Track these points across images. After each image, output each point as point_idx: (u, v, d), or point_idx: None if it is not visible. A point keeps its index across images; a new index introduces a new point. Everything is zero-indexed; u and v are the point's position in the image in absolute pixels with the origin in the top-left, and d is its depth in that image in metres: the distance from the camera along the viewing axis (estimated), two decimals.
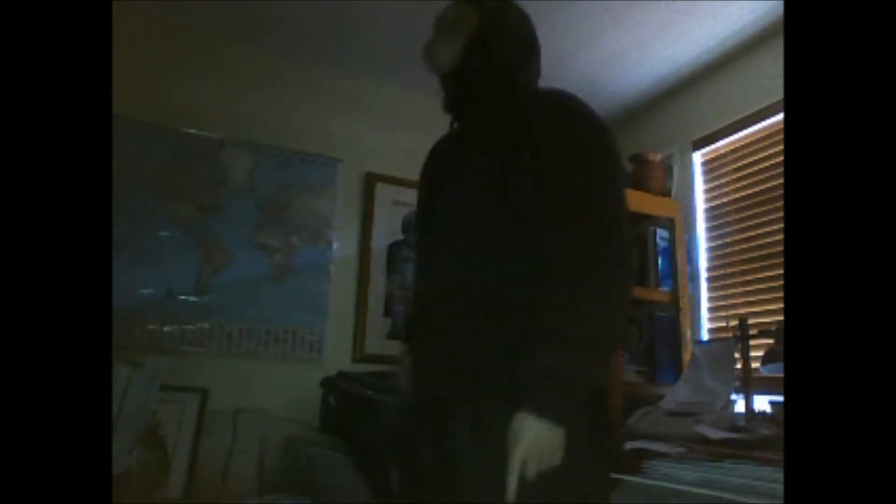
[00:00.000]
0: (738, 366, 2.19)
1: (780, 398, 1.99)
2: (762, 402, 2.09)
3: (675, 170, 2.89)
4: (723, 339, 2.35)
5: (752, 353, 2.18)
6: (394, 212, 2.95)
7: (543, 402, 0.96)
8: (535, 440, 0.94)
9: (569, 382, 0.97)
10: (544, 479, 0.95)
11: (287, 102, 2.83)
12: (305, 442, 2.33)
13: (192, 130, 2.61)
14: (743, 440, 1.71)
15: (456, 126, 1.29)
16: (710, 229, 2.75)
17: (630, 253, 1.26)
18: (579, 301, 0.99)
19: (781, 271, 2.33)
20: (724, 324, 2.51)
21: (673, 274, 2.72)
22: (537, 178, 1.05)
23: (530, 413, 0.95)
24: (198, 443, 2.29)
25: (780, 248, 2.34)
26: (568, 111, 1.14)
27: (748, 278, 2.50)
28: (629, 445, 1.69)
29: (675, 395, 2.23)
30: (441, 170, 1.24)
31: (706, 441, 1.73)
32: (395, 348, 2.78)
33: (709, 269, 2.72)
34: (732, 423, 1.92)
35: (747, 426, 1.91)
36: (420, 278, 1.24)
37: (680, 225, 2.77)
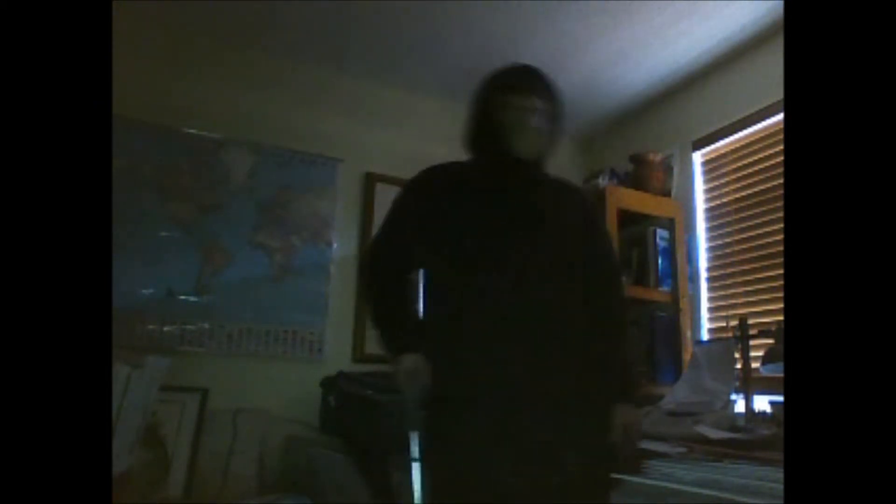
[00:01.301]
0: (738, 366, 2.19)
1: (780, 398, 1.99)
2: (762, 402, 2.09)
3: (675, 170, 2.89)
4: (723, 339, 2.35)
5: (752, 353, 2.18)
6: None
7: (634, 396, 1.47)
8: (637, 420, 1.45)
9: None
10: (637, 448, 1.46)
11: (287, 102, 2.83)
12: (305, 442, 2.33)
13: (192, 130, 2.61)
14: (743, 440, 1.71)
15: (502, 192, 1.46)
16: (710, 229, 2.75)
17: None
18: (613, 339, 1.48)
19: (781, 271, 2.33)
20: (724, 324, 2.51)
21: (673, 274, 2.72)
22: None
23: (631, 403, 1.43)
24: (198, 443, 2.29)
25: (780, 248, 2.34)
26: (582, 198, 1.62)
27: (748, 278, 2.50)
28: None
29: (675, 395, 2.23)
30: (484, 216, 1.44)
31: (706, 441, 1.73)
32: None
33: (709, 269, 2.72)
34: (732, 423, 1.92)
35: (747, 426, 1.91)
36: (485, 302, 1.37)
37: (680, 225, 2.77)
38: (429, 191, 1.50)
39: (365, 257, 1.59)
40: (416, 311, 1.48)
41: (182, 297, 2.48)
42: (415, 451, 1.37)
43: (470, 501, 1.26)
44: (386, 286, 1.49)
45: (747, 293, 2.49)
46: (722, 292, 2.63)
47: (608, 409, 1.37)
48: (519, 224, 1.42)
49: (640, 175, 2.80)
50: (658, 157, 2.83)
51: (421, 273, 1.49)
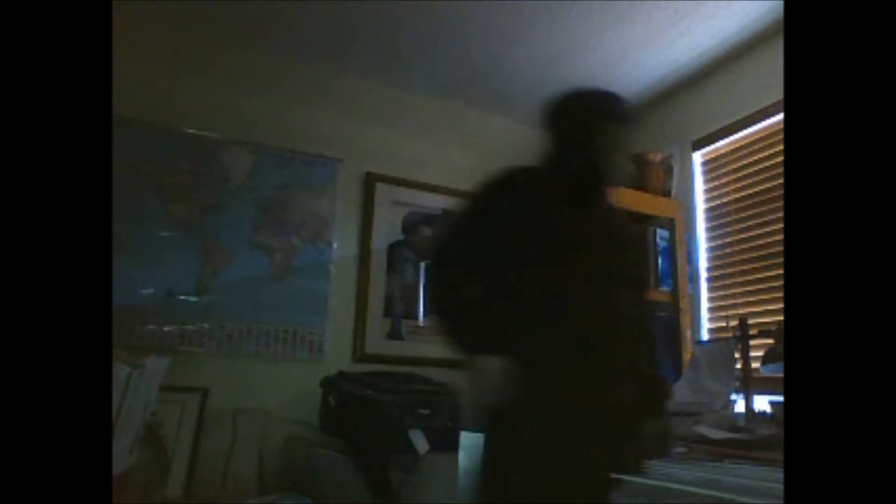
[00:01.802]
0: (738, 366, 2.19)
1: (780, 398, 1.99)
2: (762, 402, 2.09)
3: (675, 170, 2.89)
4: (723, 339, 2.35)
5: (752, 353, 2.18)
6: (394, 212, 2.95)
7: (665, 407, 1.59)
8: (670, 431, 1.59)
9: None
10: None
11: (287, 102, 2.83)
12: (305, 442, 2.33)
13: (191, 130, 2.61)
14: (743, 440, 1.71)
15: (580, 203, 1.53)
16: (710, 229, 2.75)
17: None
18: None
19: (781, 271, 2.33)
20: (724, 324, 2.51)
21: (673, 274, 2.72)
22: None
23: (664, 414, 1.57)
24: (198, 443, 2.29)
25: (780, 248, 2.34)
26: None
27: (748, 278, 2.50)
28: None
29: (676, 395, 2.23)
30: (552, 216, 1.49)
31: (706, 441, 1.73)
32: (394, 348, 2.80)
33: (709, 269, 2.72)
34: (732, 423, 1.93)
35: (747, 426, 1.91)
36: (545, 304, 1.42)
37: (680, 225, 2.77)
38: (513, 193, 1.48)
39: (436, 252, 1.55)
40: (491, 310, 1.45)
41: (182, 297, 2.48)
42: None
43: (531, 501, 1.30)
44: (459, 284, 1.48)
45: (747, 293, 2.49)
46: (722, 292, 2.63)
47: (642, 419, 1.48)
48: (598, 240, 1.51)
49: (639, 175, 2.79)
50: (658, 157, 2.83)
51: (493, 274, 1.47)
